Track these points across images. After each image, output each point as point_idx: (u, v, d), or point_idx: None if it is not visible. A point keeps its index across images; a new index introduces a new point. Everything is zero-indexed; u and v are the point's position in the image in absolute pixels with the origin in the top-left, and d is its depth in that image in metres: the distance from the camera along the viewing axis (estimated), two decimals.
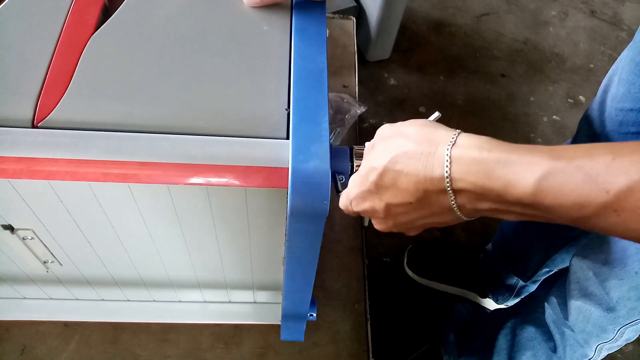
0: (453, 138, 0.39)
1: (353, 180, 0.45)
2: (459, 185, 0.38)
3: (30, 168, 0.44)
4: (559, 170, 0.34)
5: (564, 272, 0.73)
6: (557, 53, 1.61)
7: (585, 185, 0.33)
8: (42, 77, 0.48)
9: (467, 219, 0.41)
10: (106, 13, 0.53)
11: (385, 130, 0.44)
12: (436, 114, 0.47)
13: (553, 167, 0.34)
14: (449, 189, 0.38)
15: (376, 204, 0.43)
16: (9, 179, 0.48)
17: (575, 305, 0.68)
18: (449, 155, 0.38)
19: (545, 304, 0.75)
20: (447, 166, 0.38)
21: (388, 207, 0.42)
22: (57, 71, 0.48)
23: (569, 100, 1.51)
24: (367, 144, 0.46)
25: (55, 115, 0.46)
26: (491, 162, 0.36)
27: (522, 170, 0.35)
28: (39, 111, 0.46)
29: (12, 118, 0.45)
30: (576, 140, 0.74)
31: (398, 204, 0.41)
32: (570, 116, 1.47)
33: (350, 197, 0.45)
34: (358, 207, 0.45)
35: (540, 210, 0.36)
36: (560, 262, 0.85)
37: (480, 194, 0.37)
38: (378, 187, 0.42)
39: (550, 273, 0.89)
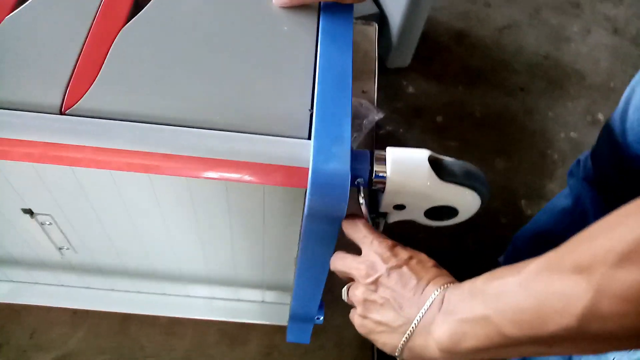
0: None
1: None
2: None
3: (55, 154, 0.45)
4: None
5: None
6: (577, 70, 1.61)
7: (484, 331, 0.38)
8: (72, 66, 0.48)
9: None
10: (137, 7, 0.54)
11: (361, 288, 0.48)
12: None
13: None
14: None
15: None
16: (34, 164, 0.49)
17: None
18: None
19: None
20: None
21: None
22: (86, 61, 0.49)
23: (588, 117, 1.50)
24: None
25: (82, 103, 0.47)
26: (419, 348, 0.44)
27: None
28: (67, 99, 0.47)
29: (40, 104, 0.46)
30: (596, 151, 0.73)
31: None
32: (588, 134, 1.46)
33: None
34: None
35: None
36: None
37: None
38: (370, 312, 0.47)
39: None
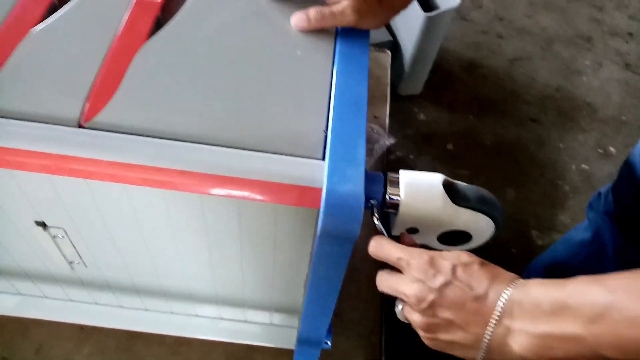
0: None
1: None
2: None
3: (72, 166, 0.45)
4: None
5: None
6: (589, 102, 1.61)
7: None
8: (92, 81, 0.49)
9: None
10: (158, 25, 0.55)
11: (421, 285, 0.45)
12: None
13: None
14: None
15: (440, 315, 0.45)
16: (50, 176, 0.49)
17: None
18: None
19: None
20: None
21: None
22: (106, 76, 0.50)
23: (599, 150, 1.50)
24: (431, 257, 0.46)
25: (101, 117, 0.47)
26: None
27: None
28: (86, 112, 0.47)
29: (60, 117, 0.47)
30: (617, 185, 0.73)
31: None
32: (599, 166, 1.46)
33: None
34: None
35: None
36: None
37: None
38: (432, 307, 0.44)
39: None
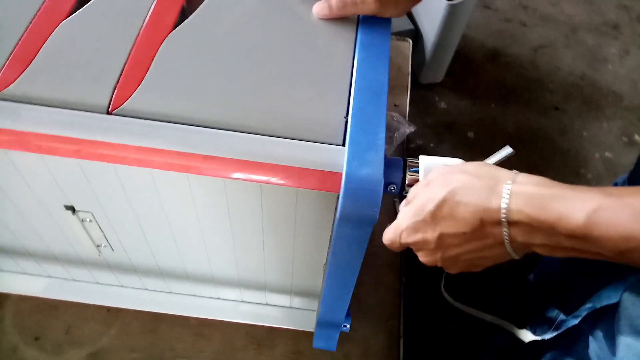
0: (513, 175, 0.41)
1: (405, 211, 0.46)
2: (515, 217, 0.40)
3: (101, 151, 0.47)
4: (609, 206, 0.37)
5: (611, 308, 0.71)
6: (614, 91, 1.58)
7: (632, 220, 0.36)
8: (120, 70, 0.51)
9: (514, 257, 0.43)
10: (184, 15, 0.56)
11: (442, 168, 0.46)
12: (508, 149, 0.48)
13: (604, 203, 0.37)
14: (504, 220, 0.40)
15: (429, 234, 0.44)
16: (79, 161, 0.51)
17: (625, 341, 0.66)
18: (509, 189, 0.40)
19: (590, 337, 0.73)
20: (505, 198, 0.40)
21: (441, 238, 0.44)
22: (134, 65, 0.51)
23: (624, 138, 1.47)
24: (420, 182, 0.47)
25: (129, 104, 0.49)
26: (547, 196, 0.39)
27: (575, 205, 0.38)
28: (115, 99, 0.49)
29: (90, 104, 0.49)
30: (633, 175, 0.72)
31: (452, 234, 0.43)
32: (623, 155, 1.43)
33: (402, 228, 0.46)
34: (409, 239, 0.46)
35: (589, 243, 0.38)
36: (605, 299, 0.83)
37: (535, 227, 0.39)
38: (434, 217, 0.43)
39: (594, 309, 0.87)
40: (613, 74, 1.63)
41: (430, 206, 0.43)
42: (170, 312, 0.81)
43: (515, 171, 0.42)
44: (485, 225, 0.41)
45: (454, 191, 0.42)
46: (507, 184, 0.40)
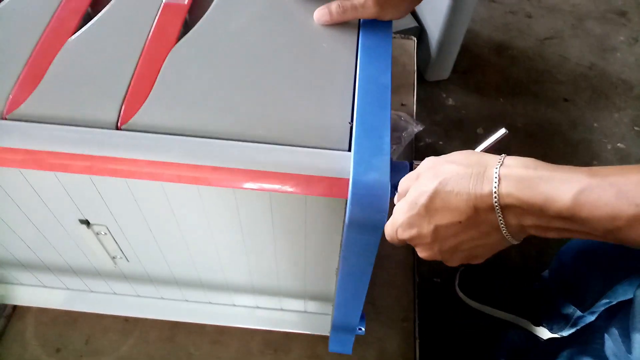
0: (500, 160, 0.42)
1: (399, 207, 0.46)
2: (506, 201, 0.40)
3: (112, 167, 0.48)
4: (594, 186, 0.37)
5: (627, 304, 0.70)
6: (624, 79, 1.57)
7: (617, 199, 0.36)
8: (127, 85, 0.52)
9: (512, 242, 0.43)
10: (186, 27, 0.57)
11: (430, 161, 0.46)
12: (502, 131, 0.48)
13: (589, 183, 0.38)
14: (496, 205, 0.41)
15: (424, 228, 0.44)
16: (92, 176, 0.52)
17: None
18: (497, 173, 0.41)
19: (606, 335, 0.73)
20: (495, 183, 0.40)
21: (437, 230, 0.44)
22: (140, 79, 0.52)
23: (636, 128, 1.46)
24: (410, 173, 0.47)
25: (137, 119, 0.50)
26: (535, 178, 0.40)
27: (561, 186, 0.38)
28: (123, 115, 0.50)
29: (98, 120, 0.50)
30: None
31: (447, 225, 0.43)
32: (636, 144, 1.42)
33: (397, 224, 0.46)
34: (404, 234, 0.46)
35: (577, 223, 0.38)
36: (621, 294, 0.82)
37: (525, 209, 0.40)
38: (428, 209, 0.43)
39: (610, 305, 0.86)
40: (622, 62, 1.61)
41: (422, 199, 0.43)
42: (187, 320, 0.81)
43: (503, 155, 0.43)
44: (479, 212, 0.41)
45: (444, 182, 0.42)
46: (495, 168, 0.41)
